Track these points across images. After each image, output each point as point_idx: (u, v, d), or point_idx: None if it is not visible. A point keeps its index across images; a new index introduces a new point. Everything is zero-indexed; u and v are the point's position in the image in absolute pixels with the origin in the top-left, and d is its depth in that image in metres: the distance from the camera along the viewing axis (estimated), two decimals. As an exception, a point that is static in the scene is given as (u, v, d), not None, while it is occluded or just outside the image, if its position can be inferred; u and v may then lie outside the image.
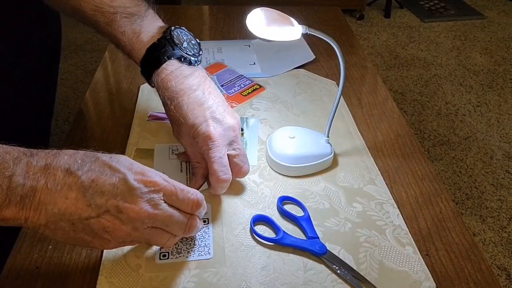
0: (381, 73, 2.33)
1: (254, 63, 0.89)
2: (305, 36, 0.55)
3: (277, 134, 0.66)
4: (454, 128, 1.98)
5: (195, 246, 0.53)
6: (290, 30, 0.55)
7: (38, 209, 0.41)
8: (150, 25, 0.61)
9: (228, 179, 0.56)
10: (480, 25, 2.83)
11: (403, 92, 2.20)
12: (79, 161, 0.43)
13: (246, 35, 0.93)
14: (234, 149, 0.58)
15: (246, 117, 0.74)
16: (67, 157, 0.43)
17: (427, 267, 0.52)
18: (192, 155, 0.60)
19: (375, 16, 2.92)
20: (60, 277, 0.50)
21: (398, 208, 0.60)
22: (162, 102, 0.60)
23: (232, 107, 0.76)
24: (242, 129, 0.71)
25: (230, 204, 0.59)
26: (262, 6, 0.56)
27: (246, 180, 0.62)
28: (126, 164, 0.45)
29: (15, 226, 0.43)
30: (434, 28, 2.79)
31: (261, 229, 0.56)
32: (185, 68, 0.59)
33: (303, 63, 0.89)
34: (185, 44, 0.60)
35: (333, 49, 0.56)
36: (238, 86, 0.81)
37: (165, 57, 0.58)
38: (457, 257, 0.54)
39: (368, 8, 2.93)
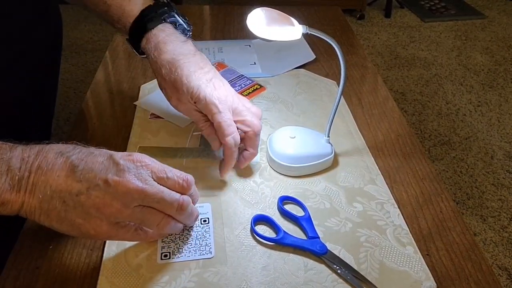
0: (381, 73, 2.33)
1: (255, 63, 0.89)
2: (305, 36, 0.55)
3: (277, 134, 0.66)
4: (454, 128, 1.98)
5: (196, 246, 0.53)
6: (291, 30, 0.55)
7: (32, 191, 0.43)
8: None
9: (237, 139, 0.57)
10: (481, 25, 2.83)
11: (404, 92, 2.20)
12: (70, 147, 0.47)
13: (247, 35, 0.93)
14: (238, 107, 0.58)
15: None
16: (59, 145, 0.47)
17: (428, 267, 0.52)
18: (196, 119, 0.60)
19: (375, 16, 2.92)
20: (61, 277, 0.50)
21: (399, 208, 0.60)
22: (156, 68, 0.60)
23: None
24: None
25: (231, 204, 0.59)
26: (262, 6, 0.56)
27: (247, 180, 0.62)
28: (113, 151, 0.47)
29: (14, 214, 0.44)
30: (435, 28, 2.79)
31: (262, 229, 0.56)
32: (180, 35, 0.61)
33: (304, 63, 0.89)
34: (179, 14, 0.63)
35: (334, 49, 0.56)
36: (238, 86, 0.82)
37: (162, 19, 0.60)
38: (457, 257, 0.54)
39: (368, 8, 2.93)
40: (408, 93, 2.19)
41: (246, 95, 0.79)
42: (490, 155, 1.83)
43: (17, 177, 0.43)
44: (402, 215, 0.59)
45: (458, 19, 2.88)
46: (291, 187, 0.62)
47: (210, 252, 0.52)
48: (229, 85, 0.60)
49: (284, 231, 0.55)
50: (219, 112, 0.56)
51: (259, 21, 0.55)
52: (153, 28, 0.59)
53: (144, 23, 0.60)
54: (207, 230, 0.55)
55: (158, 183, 0.47)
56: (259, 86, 0.82)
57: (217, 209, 0.58)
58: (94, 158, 0.45)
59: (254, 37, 0.58)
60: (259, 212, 0.57)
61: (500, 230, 1.52)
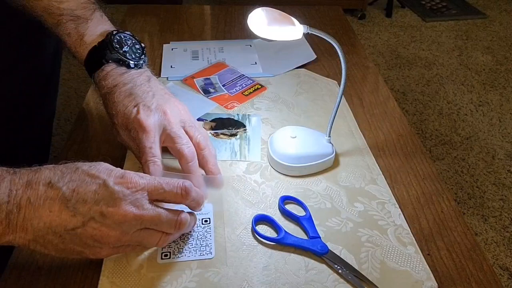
0: (382, 72, 2.33)
1: (256, 63, 0.89)
2: (306, 35, 0.55)
3: (278, 134, 0.66)
4: (456, 127, 1.97)
5: (197, 246, 0.53)
6: (292, 30, 0.55)
7: (24, 226, 0.42)
8: (95, 28, 0.62)
9: (160, 169, 0.53)
10: (482, 25, 2.82)
11: (405, 91, 2.19)
12: (59, 173, 0.44)
13: (248, 34, 0.93)
14: (170, 132, 0.56)
15: (248, 114, 0.74)
16: (48, 171, 0.44)
17: (429, 266, 0.52)
18: (135, 150, 0.58)
19: (376, 15, 2.91)
20: (62, 277, 0.50)
21: (400, 207, 0.60)
22: (101, 98, 0.61)
23: (233, 107, 0.76)
24: (244, 126, 0.72)
25: (232, 204, 0.59)
26: (263, 6, 0.56)
27: (248, 180, 0.62)
28: (105, 171, 0.45)
29: (6, 245, 0.43)
30: (436, 28, 2.79)
31: (263, 229, 0.56)
32: (122, 68, 0.60)
33: (305, 62, 0.89)
34: (125, 48, 0.61)
35: (335, 48, 0.56)
36: (239, 86, 0.81)
37: (104, 60, 0.60)
38: (459, 257, 0.54)
39: (369, 7, 2.92)
40: (409, 93, 2.18)
41: (247, 95, 0.79)
42: (492, 155, 1.83)
43: (4, 212, 0.41)
44: (403, 215, 0.59)
45: (459, 19, 2.88)
46: (292, 187, 0.62)
47: (211, 253, 0.52)
48: (158, 108, 0.57)
49: (285, 231, 0.55)
50: (144, 135, 0.54)
51: (260, 21, 0.55)
52: (97, 70, 0.60)
53: (91, 65, 0.61)
54: (208, 230, 0.55)
55: (156, 202, 0.46)
56: (260, 86, 0.82)
57: (218, 209, 0.58)
58: (87, 187, 0.43)
59: (255, 37, 0.58)
60: (260, 212, 0.57)
61: (502, 230, 1.52)
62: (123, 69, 0.60)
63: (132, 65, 0.61)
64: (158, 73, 0.84)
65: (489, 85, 2.26)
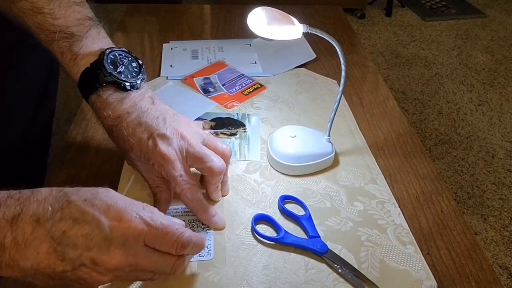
0: (382, 72, 2.33)
1: (255, 62, 0.89)
2: (306, 35, 0.55)
3: (278, 133, 0.66)
4: (455, 127, 1.97)
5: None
6: (291, 29, 0.55)
7: (10, 265, 0.39)
8: (89, 48, 0.57)
9: (197, 190, 0.54)
10: (482, 24, 2.83)
11: (404, 91, 2.20)
12: (49, 209, 0.40)
13: (247, 34, 0.93)
14: (194, 154, 0.54)
15: (248, 114, 0.74)
16: (36, 205, 0.40)
17: (429, 266, 0.52)
18: (150, 180, 0.56)
19: (376, 15, 2.91)
20: (62, 276, 0.50)
21: (400, 207, 0.60)
22: (105, 129, 0.57)
23: (233, 106, 0.76)
24: (244, 125, 0.72)
25: (232, 204, 0.59)
26: (263, 5, 0.56)
27: (247, 179, 0.62)
28: (102, 207, 0.41)
29: None
30: (436, 27, 2.79)
31: (263, 228, 0.56)
32: (119, 93, 0.55)
33: (304, 62, 0.89)
34: (120, 68, 0.56)
35: (334, 48, 0.56)
36: (239, 85, 0.82)
37: (97, 84, 0.54)
38: (458, 256, 0.54)
39: (369, 7, 2.93)
40: (409, 92, 2.18)
41: (247, 94, 0.79)
42: (491, 154, 1.83)
43: None
44: (403, 214, 0.59)
45: (459, 18, 2.88)
46: (292, 186, 0.62)
47: (209, 254, 0.52)
48: (173, 132, 0.54)
49: (285, 230, 0.55)
50: (170, 166, 0.52)
51: (259, 20, 0.55)
52: (92, 94, 0.55)
53: (85, 88, 0.56)
54: (207, 231, 0.55)
55: (152, 248, 0.44)
56: (259, 86, 0.82)
57: (218, 208, 0.58)
58: (78, 230, 0.40)
59: (255, 36, 0.58)
60: (260, 212, 0.57)
61: (501, 229, 1.52)
62: (121, 93, 0.55)
63: (128, 87, 0.55)
64: (157, 73, 0.85)
65: (488, 85, 2.26)
